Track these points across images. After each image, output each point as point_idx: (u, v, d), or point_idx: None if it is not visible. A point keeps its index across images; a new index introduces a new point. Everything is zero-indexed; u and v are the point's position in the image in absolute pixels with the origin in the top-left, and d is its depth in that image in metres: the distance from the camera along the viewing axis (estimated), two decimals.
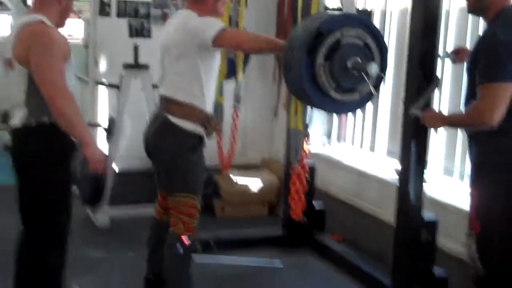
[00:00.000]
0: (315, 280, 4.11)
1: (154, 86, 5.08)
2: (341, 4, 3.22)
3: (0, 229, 4.45)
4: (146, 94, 5.08)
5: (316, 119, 5.36)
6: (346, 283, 4.02)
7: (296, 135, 3.42)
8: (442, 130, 3.90)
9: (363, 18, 3.04)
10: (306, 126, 3.51)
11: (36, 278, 3.08)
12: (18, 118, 3.02)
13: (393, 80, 4.62)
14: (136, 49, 5.04)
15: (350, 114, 5.10)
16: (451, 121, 2.92)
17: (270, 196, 5.49)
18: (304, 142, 3.59)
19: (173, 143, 3.32)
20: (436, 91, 3.36)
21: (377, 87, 2.95)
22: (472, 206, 2.76)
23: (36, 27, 2.96)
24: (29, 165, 3.05)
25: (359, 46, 2.81)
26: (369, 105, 4.83)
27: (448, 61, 3.60)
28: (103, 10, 5.38)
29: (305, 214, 4.21)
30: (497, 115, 2.56)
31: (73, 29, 7.82)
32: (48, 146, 3.02)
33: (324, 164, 5.05)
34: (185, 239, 3.30)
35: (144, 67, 5.06)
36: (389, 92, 4.71)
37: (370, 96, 2.98)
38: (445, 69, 4.01)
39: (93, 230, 4.84)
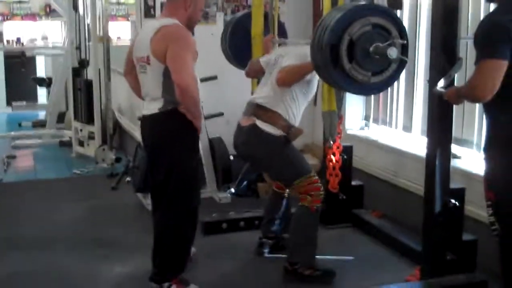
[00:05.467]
0: (354, 247, 4.30)
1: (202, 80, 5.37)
2: None
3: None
4: None
5: (355, 103, 5.59)
6: (382, 251, 4.23)
7: (330, 117, 3.68)
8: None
9: (381, 7, 3.23)
10: (339, 108, 3.76)
11: (172, 252, 3.44)
12: (154, 107, 3.33)
13: (426, 63, 4.71)
14: None
15: (387, 97, 5.28)
16: (460, 95, 2.96)
17: None
18: (339, 123, 3.84)
19: (265, 148, 3.66)
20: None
21: (400, 68, 3.17)
22: (484, 178, 2.89)
23: (174, 28, 3.27)
24: (162, 145, 3.36)
25: (378, 32, 2.99)
26: (404, 88, 5.06)
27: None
28: (148, 13, 5.58)
29: (344, 190, 4.46)
30: (488, 91, 2.65)
31: (122, 31, 8.20)
32: (181, 126, 3.31)
33: (363, 145, 5.23)
34: (313, 208, 3.64)
35: None
36: (422, 74, 4.85)
37: (395, 77, 3.21)
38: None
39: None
